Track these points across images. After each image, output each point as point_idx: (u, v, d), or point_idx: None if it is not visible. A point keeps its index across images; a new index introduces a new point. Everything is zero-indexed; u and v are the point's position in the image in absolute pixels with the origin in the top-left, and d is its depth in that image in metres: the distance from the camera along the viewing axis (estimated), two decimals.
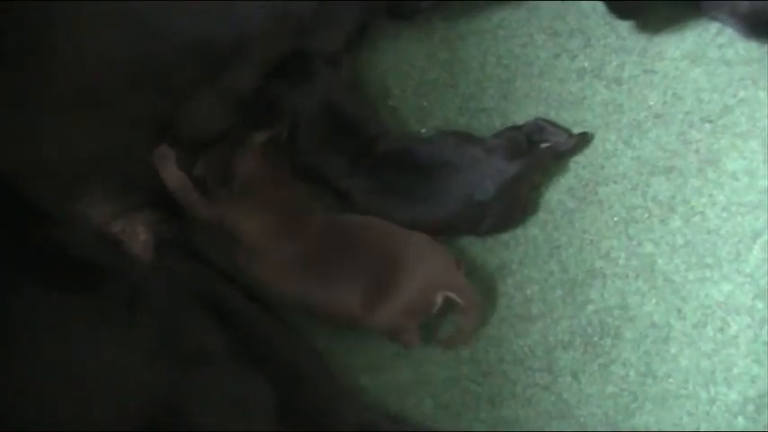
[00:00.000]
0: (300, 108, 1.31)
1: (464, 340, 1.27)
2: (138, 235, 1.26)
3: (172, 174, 1.26)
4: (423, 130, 1.38)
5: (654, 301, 1.28)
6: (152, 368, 1.12)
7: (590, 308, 1.29)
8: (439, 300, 1.25)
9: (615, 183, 1.33)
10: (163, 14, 1.23)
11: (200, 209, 1.28)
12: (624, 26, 1.38)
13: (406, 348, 1.28)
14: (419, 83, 1.39)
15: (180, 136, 1.26)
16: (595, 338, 1.28)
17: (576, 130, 1.35)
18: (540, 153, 1.32)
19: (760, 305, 1.27)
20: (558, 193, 1.33)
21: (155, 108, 1.26)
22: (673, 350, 1.27)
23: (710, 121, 1.34)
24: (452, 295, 1.26)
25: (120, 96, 1.24)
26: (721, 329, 1.27)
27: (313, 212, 1.31)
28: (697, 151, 1.33)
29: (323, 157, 1.31)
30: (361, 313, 1.24)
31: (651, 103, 1.35)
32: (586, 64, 1.38)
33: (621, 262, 1.30)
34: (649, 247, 1.30)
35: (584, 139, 1.33)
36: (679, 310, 1.28)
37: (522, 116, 1.36)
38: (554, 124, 1.34)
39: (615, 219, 1.32)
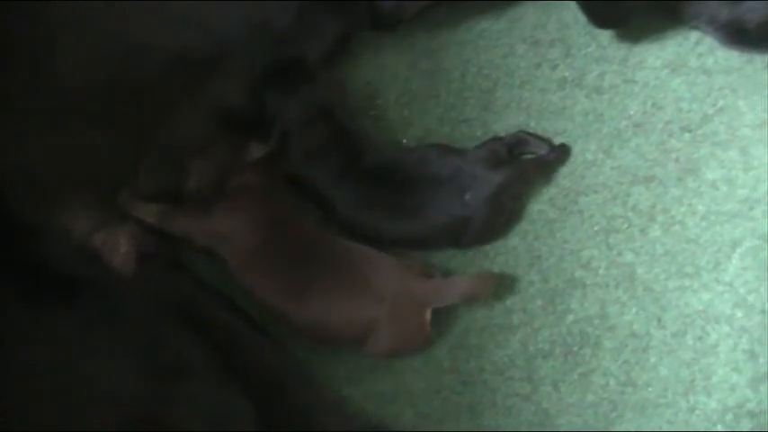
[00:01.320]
0: (292, 116, 1.31)
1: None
2: (119, 247, 1.26)
3: (145, 210, 1.28)
4: (404, 141, 1.38)
5: (634, 310, 1.29)
6: (131, 382, 1.12)
7: (570, 317, 1.30)
8: (428, 317, 1.26)
9: (595, 192, 1.33)
10: (142, 28, 1.24)
11: (188, 225, 1.28)
12: (605, 36, 1.38)
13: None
14: (401, 93, 1.40)
15: (140, 189, 1.27)
16: (575, 348, 1.29)
17: (557, 140, 1.35)
18: (524, 165, 1.33)
19: (739, 314, 1.27)
20: (538, 203, 1.34)
21: (135, 121, 1.26)
22: (652, 359, 1.27)
23: (690, 131, 1.34)
24: (442, 305, 1.27)
25: (101, 109, 1.24)
26: (701, 338, 1.27)
27: (302, 224, 1.31)
28: (677, 160, 1.33)
29: (311, 166, 1.31)
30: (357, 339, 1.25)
31: (631, 112, 1.36)
32: (567, 73, 1.38)
33: (602, 271, 1.31)
34: (629, 257, 1.31)
35: (566, 151, 1.33)
36: (659, 319, 1.28)
37: (503, 126, 1.36)
38: (535, 136, 1.35)
39: (595, 228, 1.32)
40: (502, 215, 1.31)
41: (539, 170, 1.33)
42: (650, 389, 1.26)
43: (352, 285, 1.26)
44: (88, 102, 1.23)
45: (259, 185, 1.31)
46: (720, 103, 1.35)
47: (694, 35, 1.37)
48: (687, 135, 1.34)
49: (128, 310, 1.18)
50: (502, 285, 1.32)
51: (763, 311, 1.27)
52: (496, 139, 1.33)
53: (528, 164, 1.32)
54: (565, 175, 1.34)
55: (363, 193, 1.30)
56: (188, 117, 1.29)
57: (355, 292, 1.26)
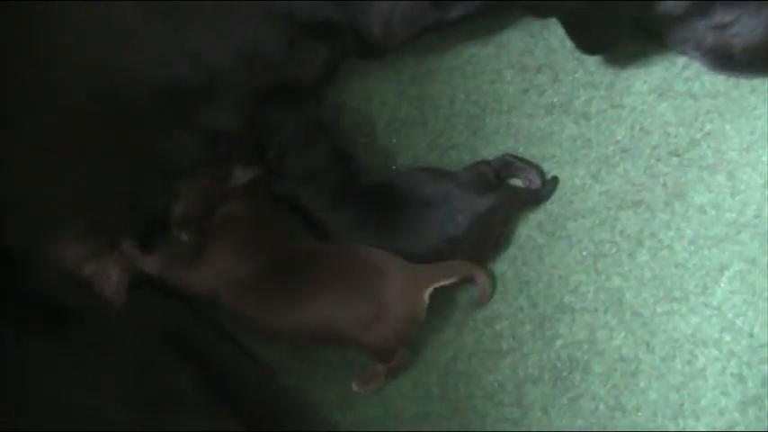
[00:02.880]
0: (290, 136, 1.32)
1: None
2: (110, 276, 1.27)
3: (146, 261, 1.29)
4: (393, 167, 1.39)
5: (622, 334, 1.30)
6: (121, 410, 1.13)
7: (559, 342, 1.30)
8: (427, 299, 1.26)
9: (584, 217, 1.34)
10: (133, 58, 1.25)
11: (187, 274, 1.29)
12: (592, 61, 1.39)
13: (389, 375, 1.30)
14: (389, 120, 1.41)
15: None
16: (564, 373, 1.29)
17: (545, 166, 1.36)
18: (514, 190, 1.33)
19: (727, 338, 1.28)
20: (527, 229, 1.34)
21: (127, 150, 1.27)
22: (641, 383, 1.28)
23: (678, 155, 1.35)
24: (441, 284, 1.27)
25: (92, 139, 1.25)
26: (689, 362, 1.28)
27: (291, 243, 1.32)
28: (664, 185, 1.34)
29: (306, 187, 1.32)
30: (353, 333, 1.25)
31: (619, 137, 1.37)
32: (555, 99, 1.39)
33: (590, 296, 1.31)
34: (617, 282, 1.31)
35: (556, 183, 1.35)
36: (647, 344, 1.29)
37: (491, 152, 1.37)
38: (522, 159, 1.36)
39: (584, 253, 1.33)
40: (491, 238, 1.31)
41: (528, 200, 1.33)
42: (639, 413, 1.27)
43: (355, 279, 1.26)
44: (79, 132, 1.24)
45: (245, 214, 1.31)
46: (707, 127, 1.35)
47: (681, 60, 1.38)
48: (674, 159, 1.35)
49: (118, 339, 1.19)
50: (491, 311, 1.32)
51: (751, 335, 1.28)
52: (484, 162, 1.34)
53: (518, 193, 1.33)
54: (553, 201, 1.35)
55: (356, 215, 1.31)
56: (180, 144, 1.30)
57: (357, 281, 1.26)
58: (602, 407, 1.28)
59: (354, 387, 1.29)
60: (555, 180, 1.35)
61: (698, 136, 1.35)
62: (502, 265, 1.33)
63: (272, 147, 1.33)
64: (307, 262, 1.29)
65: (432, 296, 1.29)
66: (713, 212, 1.32)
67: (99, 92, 1.24)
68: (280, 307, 1.27)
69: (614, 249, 1.32)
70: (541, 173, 1.36)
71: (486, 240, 1.32)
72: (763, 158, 1.33)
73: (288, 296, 1.27)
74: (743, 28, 1.28)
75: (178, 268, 1.29)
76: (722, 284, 1.30)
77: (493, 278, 1.32)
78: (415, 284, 1.26)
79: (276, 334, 1.28)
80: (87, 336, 1.17)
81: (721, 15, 1.28)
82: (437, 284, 1.26)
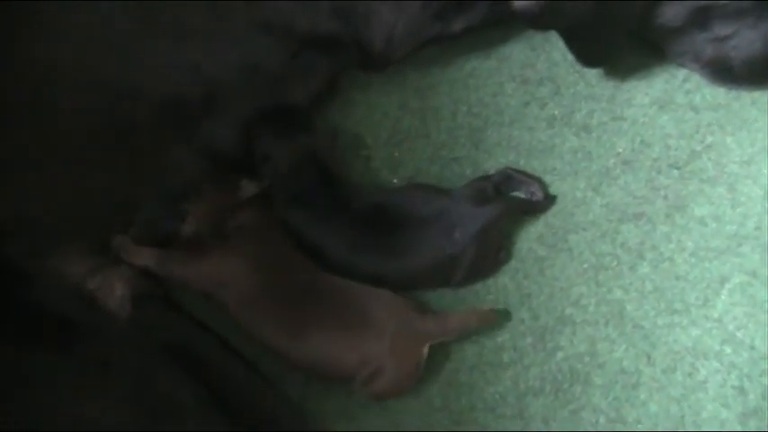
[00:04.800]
0: (280, 163, 1.32)
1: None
2: (114, 290, 1.28)
3: (141, 253, 1.29)
4: (395, 180, 1.39)
5: (623, 347, 1.30)
6: (122, 424, 1.13)
7: (560, 354, 1.31)
8: (425, 354, 1.27)
9: (585, 230, 1.34)
10: (134, 73, 1.25)
11: (184, 270, 1.29)
12: (593, 74, 1.39)
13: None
14: (391, 133, 1.41)
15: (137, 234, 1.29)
16: (566, 385, 1.29)
17: (546, 178, 1.37)
18: (510, 202, 1.34)
19: (728, 350, 1.28)
20: (528, 242, 1.35)
21: (129, 165, 1.28)
22: (642, 396, 1.28)
23: (678, 168, 1.35)
24: (440, 341, 1.28)
25: (95, 154, 1.26)
26: (690, 375, 1.28)
27: (300, 262, 1.32)
28: (665, 197, 1.34)
29: (297, 212, 1.32)
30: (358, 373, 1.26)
31: (620, 149, 1.37)
32: (556, 112, 1.39)
33: (591, 309, 1.32)
34: (618, 294, 1.32)
35: (553, 198, 1.35)
36: (648, 356, 1.29)
37: (492, 164, 1.38)
38: (523, 173, 1.36)
39: (585, 266, 1.33)
40: (490, 252, 1.32)
41: (525, 210, 1.33)
42: (640, 425, 1.27)
43: (352, 321, 1.27)
44: (82, 147, 1.25)
45: (256, 225, 1.32)
46: (708, 139, 1.36)
47: (682, 72, 1.38)
48: (675, 172, 1.35)
49: (121, 353, 1.20)
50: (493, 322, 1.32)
51: (752, 347, 1.28)
52: (483, 177, 1.35)
53: (515, 202, 1.33)
54: (554, 213, 1.35)
55: (352, 237, 1.31)
56: (181, 159, 1.31)
57: (355, 327, 1.27)
58: (602, 419, 1.28)
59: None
60: (552, 197, 1.35)
61: (699, 148, 1.35)
62: (503, 278, 1.34)
63: (264, 174, 1.32)
64: (311, 294, 1.29)
65: (433, 307, 1.30)
66: (714, 225, 1.32)
67: (99, 106, 1.25)
68: (281, 330, 1.28)
69: (615, 262, 1.33)
70: (543, 186, 1.36)
71: (486, 255, 1.32)
72: (764, 171, 1.33)
73: (290, 322, 1.28)
74: (742, 41, 1.29)
75: (174, 263, 1.29)
76: (723, 297, 1.30)
77: (496, 316, 1.32)
78: (414, 341, 1.26)
79: (274, 351, 1.28)
80: (89, 349, 1.18)
81: (720, 28, 1.28)
82: (436, 341, 1.27)
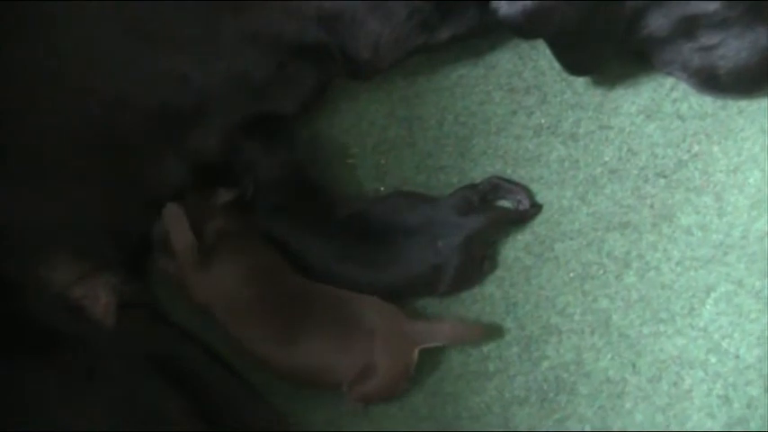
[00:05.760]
0: (263, 175, 1.33)
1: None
2: (99, 299, 1.28)
3: (183, 234, 1.27)
4: (381, 188, 1.39)
5: (609, 356, 1.30)
6: None
7: (546, 364, 1.31)
8: (416, 357, 1.27)
9: (571, 239, 1.35)
10: (121, 82, 1.26)
11: (194, 271, 1.29)
12: (580, 82, 1.40)
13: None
14: (378, 141, 1.41)
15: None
16: (551, 394, 1.30)
17: (533, 187, 1.37)
18: (495, 212, 1.34)
19: (713, 359, 1.28)
20: (514, 250, 1.35)
21: (115, 173, 1.28)
22: (628, 405, 1.28)
23: (665, 176, 1.35)
24: (430, 346, 1.28)
25: (80, 164, 1.26)
26: (675, 384, 1.28)
27: (283, 271, 1.32)
28: (652, 206, 1.34)
29: (279, 221, 1.32)
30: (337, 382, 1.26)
31: (606, 158, 1.37)
32: (543, 120, 1.40)
33: (577, 318, 1.32)
34: (604, 303, 1.32)
35: (539, 206, 1.35)
36: (634, 365, 1.29)
37: (479, 173, 1.38)
38: (510, 181, 1.36)
39: (571, 275, 1.33)
40: (475, 261, 1.32)
41: (511, 220, 1.34)
42: None
43: (342, 326, 1.27)
44: (67, 156, 1.25)
45: (235, 231, 1.32)
46: (695, 148, 1.36)
47: (669, 81, 1.38)
48: (662, 181, 1.35)
49: (105, 362, 1.20)
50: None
51: (737, 356, 1.28)
52: (469, 186, 1.35)
53: (500, 211, 1.33)
54: (540, 222, 1.35)
55: (336, 247, 1.31)
56: (168, 168, 1.31)
57: (344, 332, 1.27)
58: (588, 428, 1.28)
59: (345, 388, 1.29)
60: (539, 206, 1.35)
61: (685, 157, 1.36)
62: (489, 287, 1.34)
63: (247, 183, 1.32)
64: (299, 300, 1.29)
65: (418, 314, 1.30)
66: (700, 234, 1.33)
67: (89, 115, 1.25)
68: (269, 338, 1.28)
69: (601, 271, 1.33)
70: (529, 194, 1.36)
71: (470, 265, 1.32)
72: (750, 180, 1.33)
73: (278, 329, 1.28)
74: (728, 50, 1.29)
75: (192, 270, 1.29)
76: (709, 306, 1.30)
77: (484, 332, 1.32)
78: (405, 343, 1.26)
79: (261, 362, 1.28)
80: (73, 358, 1.18)
81: (707, 38, 1.29)
82: (426, 345, 1.27)
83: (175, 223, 1.28)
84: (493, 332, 1.32)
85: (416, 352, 1.27)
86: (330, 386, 1.28)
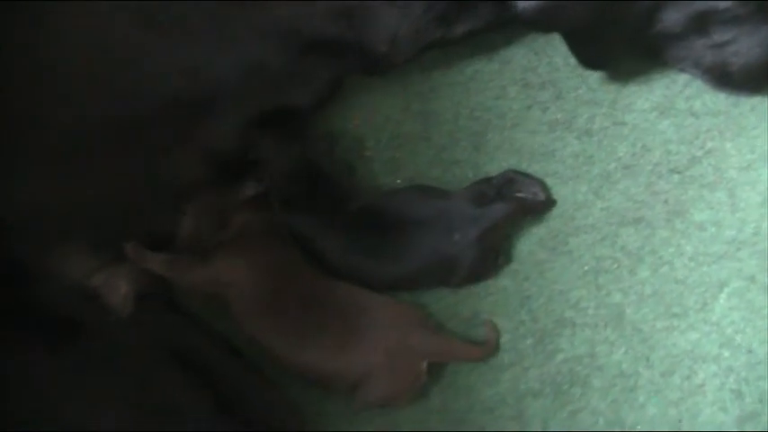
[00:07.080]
0: (277, 169, 1.33)
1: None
2: (118, 288, 1.28)
3: (153, 260, 1.28)
4: (398, 181, 1.40)
5: (622, 349, 1.31)
6: (123, 424, 1.14)
7: (559, 357, 1.31)
8: (425, 368, 1.28)
9: (585, 233, 1.35)
10: (136, 73, 1.26)
11: (194, 273, 1.30)
12: (594, 78, 1.40)
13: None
14: (393, 135, 1.41)
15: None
16: (564, 387, 1.30)
17: (547, 182, 1.37)
18: (511, 205, 1.34)
19: (726, 353, 1.29)
20: (528, 244, 1.36)
21: (131, 164, 1.29)
22: (641, 398, 1.29)
23: (678, 172, 1.36)
24: (439, 361, 1.29)
25: (98, 153, 1.26)
26: (688, 378, 1.29)
27: (304, 268, 1.32)
28: (665, 202, 1.35)
29: (295, 215, 1.33)
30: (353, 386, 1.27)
31: (620, 154, 1.38)
32: (558, 116, 1.40)
33: (590, 311, 1.32)
34: (618, 297, 1.32)
35: (554, 203, 1.36)
36: (647, 359, 1.30)
37: (494, 168, 1.38)
38: (525, 175, 1.37)
39: (585, 269, 1.34)
40: (490, 254, 1.32)
41: (526, 212, 1.34)
42: (638, 428, 1.29)
43: (350, 332, 1.27)
44: (85, 146, 1.26)
45: (257, 228, 1.33)
46: (708, 144, 1.37)
47: (682, 78, 1.39)
48: (675, 177, 1.36)
49: (122, 352, 1.20)
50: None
51: (749, 351, 1.29)
52: (485, 179, 1.35)
53: (516, 204, 1.34)
54: (555, 216, 1.36)
55: (351, 239, 1.31)
56: (182, 160, 1.31)
57: (352, 339, 1.27)
58: (601, 421, 1.29)
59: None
60: (554, 200, 1.36)
61: (699, 154, 1.36)
62: (503, 280, 1.34)
63: (262, 177, 1.33)
64: (312, 301, 1.29)
65: (434, 313, 1.32)
66: (713, 229, 1.33)
67: (106, 106, 1.25)
68: (281, 337, 1.28)
69: (615, 265, 1.33)
70: (545, 187, 1.36)
71: (486, 258, 1.32)
72: (763, 177, 1.34)
73: (290, 329, 1.28)
74: (741, 47, 1.30)
75: (181, 268, 1.30)
76: (721, 301, 1.31)
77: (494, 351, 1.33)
78: (411, 357, 1.27)
79: (275, 356, 1.29)
80: (90, 349, 1.19)
81: (719, 34, 1.29)
82: (434, 360, 1.28)
83: (139, 258, 1.28)
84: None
85: (424, 364, 1.27)
86: (335, 389, 1.29)
